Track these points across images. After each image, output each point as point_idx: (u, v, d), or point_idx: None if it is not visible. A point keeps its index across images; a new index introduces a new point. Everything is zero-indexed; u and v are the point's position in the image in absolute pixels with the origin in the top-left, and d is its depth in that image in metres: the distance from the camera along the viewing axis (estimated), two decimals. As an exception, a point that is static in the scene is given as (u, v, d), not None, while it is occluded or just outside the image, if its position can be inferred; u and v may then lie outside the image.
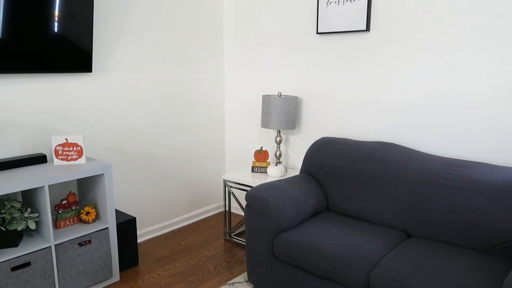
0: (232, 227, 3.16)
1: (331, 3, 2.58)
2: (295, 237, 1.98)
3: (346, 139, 2.49)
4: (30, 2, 2.04)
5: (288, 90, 2.97)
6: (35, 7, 2.07)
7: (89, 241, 2.17)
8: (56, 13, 2.16)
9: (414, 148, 2.37)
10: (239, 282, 2.35)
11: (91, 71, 2.39)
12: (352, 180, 2.27)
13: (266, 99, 2.74)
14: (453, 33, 2.16)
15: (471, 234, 1.85)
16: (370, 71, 2.51)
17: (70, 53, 2.28)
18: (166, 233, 3.09)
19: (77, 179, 2.44)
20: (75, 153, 2.21)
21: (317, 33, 2.69)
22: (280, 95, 2.75)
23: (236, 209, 3.53)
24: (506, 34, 2.00)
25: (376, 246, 1.87)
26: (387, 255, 1.80)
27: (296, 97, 2.78)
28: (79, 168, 2.11)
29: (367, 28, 2.45)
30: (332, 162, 2.37)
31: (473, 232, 1.84)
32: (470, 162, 1.99)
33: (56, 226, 2.18)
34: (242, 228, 3.16)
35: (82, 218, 2.24)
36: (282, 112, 2.70)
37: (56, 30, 2.18)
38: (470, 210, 1.85)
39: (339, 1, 2.54)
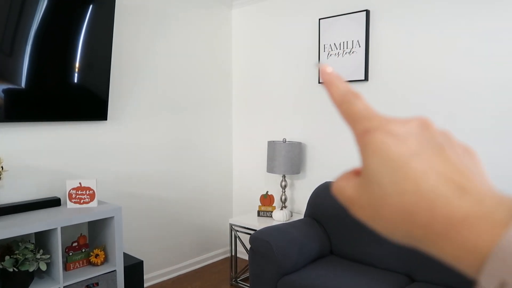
0: (238, 272, 3.17)
1: (332, 55, 2.75)
2: (298, 280, 2.01)
3: (349, 183, 2.55)
4: (54, 54, 2.25)
5: (293, 136, 3.09)
6: (59, 59, 2.27)
7: (97, 284, 2.21)
8: (77, 64, 2.36)
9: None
10: (244, 328, 2.34)
11: (106, 119, 2.56)
12: (354, 224, 2.31)
13: (272, 145, 2.86)
14: (444, 84, 2.28)
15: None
16: (370, 118, 2.63)
17: (88, 103, 2.45)
18: (173, 277, 3.10)
19: (88, 222, 2.52)
20: (88, 196, 2.32)
21: (319, 82, 2.84)
22: (284, 141, 2.86)
23: (243, 254, 3.54)
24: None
25: (378, 290, 1.88)
26: (389, 299, 1.81)
27: (300, 143, 2.89)
28: (91, 211, 2.20)
29: (366, 78, 2.60)
30: (334, 206, 2.43)
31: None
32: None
33: (66, 268, 2.24)
34: (248, 273, 3.16)
35: (91, 260, 2.29)
36: (287, 158, 2.80)
37: (76, 81, 2.37)
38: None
39: (339, 53, 2.71)
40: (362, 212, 0.26)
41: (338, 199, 0.29)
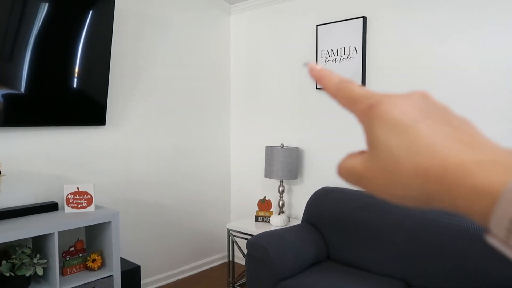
0: (235, 277, 3.16)
1: (329, 61, 2.77)
2: (295, 286, 2.01)
3: (346, 188, 2.56)
4: (53, 60, 2.26)
5: (290, 142, 3.10)
6: (58, 64, 2.29)
7: (94, 288, 2.21)
8: (76, 69, 2.37)
9: (412, 198, 2.43)
10: (241, 333, 2.34)
11: (104, 124, 2.57)
12: (351, 229, 2.31)
13: (269, 150, 2.87)
14: (441, 84, 2.30)
15: (469, 283, 1.86)
16: (367, 124, 2.64)
17: (86, 108, 2.46)
18: (170, 283, 3.10)
19: (86, 226, 2.52)
20: (85, 201, 2.32)
21: (317, 88, 2.86)
22: (282, 146, 2.87)
23: (240, 259, 3.54)
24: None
25: (374, 295, 1.89)
26: (386, 304, 1.81)
27: (297, 148, 2.90)
28: (88, 216, 2.21)
29: (363, 84, 2.62)
30: (331, 211, 2.44)
31: (471, 280, 1.86)
32: (465, 211, 2.04)
33: (62, 273, 2.24)
34: (245, 279, 3.15)
35: (88, 265, 2.29)
36: (285, 163, 2.81)
37: (74, 86, 2.38)
38: (466, 258, 1.88)
39: (336, 59, 2.73)
40: (374, 183, 0.27)
41: (344, 178, 0.30)
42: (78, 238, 2.48)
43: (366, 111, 0.28)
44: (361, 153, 0.29)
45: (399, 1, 2.47)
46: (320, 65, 0.31)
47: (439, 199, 0.24)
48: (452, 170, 0.23)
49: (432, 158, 0.24)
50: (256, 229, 2.78)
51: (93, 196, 2.33)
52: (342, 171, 0.30)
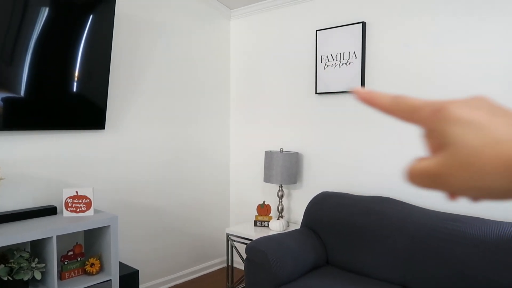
0: (234, 282, 3.15)
1: (328, 66, 2.78)
2: (294, 291, 2.00)
3: (345, 193, 2.56)
4: (53, 63, 2.27)
5: (290, 146, 3.10)
6: (58, 68, 2.29)
7: (92, 293, 2.20)
8: (76, 73, 2.38)
9: (410, 203, 2.43)
10: (239, 339, 2.32)
11: (104, 128, 2.57)
12: (350, 234, 2.31)
13: (269, 154, 2.87)
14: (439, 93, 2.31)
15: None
16: (367, 129, 2.65)
17: (86, 111, 2.46)
18: (169, 287, 3.09)
19: (84, 230, 2.52)
20: (84, 205, 2.32)
21: (316, 93, 2.87)
22: (281, 151, 2.87)
23: (239, 264, 3.53)
24: (490, 95, 2.13)
25: (374, 301, 1.88)
26: (385, 310, 1.81)
27: (297, 153, 2.91)
28: (87, 220, 2.20)
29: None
30: (331, 216, 2.43)
31: (470, 287, 1.85)
32: (464, 217, 2.05)
33: (61, 277, 2.23)
34: (244, 283, 3.14)
35: (86, 269, 2.29)
36: (284, 167, 2.81)
37: (74, 90, 2.38)
38: (466, 264, 1.87)
39: (336, 64, 2.74)
40: (454, 180, 0.27)
41: (416, 182, 0.30)
42: (77, 242, 2.47)
43: (433, 116, 0.29)
44: (431, 156, 0.30)
45: (398, 6, 2.48)
46: (362, 89, 0.33)
47: None
48: None
49: None
50: (255, 233, 2.77)
51: (92, 200, 2.32)
52: (414, 175, 0.30)
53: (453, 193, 0.28)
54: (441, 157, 0.28)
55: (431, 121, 0.29)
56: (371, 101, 0.32)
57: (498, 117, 0.27)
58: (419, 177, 0.30)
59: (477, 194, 0.27)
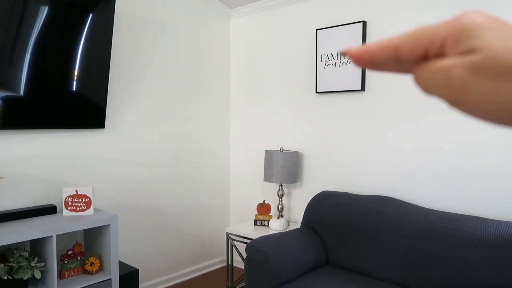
0: (234, 281, 3.15)
1: (329, 65, 2.78)
2: (294, 290, 2.00)
3: (345, 193, 2.56)
4: (53, 63, 2.26)
5: (290, 145, 3.10)
6: (58, 67, 2.29)
7: (92, 292, 2.20)
8: (76, 72, 2.37)
9: (410, 202, 2.43)
10: (239, 338, 2.32)
11: (103, 127, 2.56)
12: (350, 234, 2.31)
13: (269, 154, 2.87)
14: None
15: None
16: (367, 128, 2.64)
17: (86, 111, 2.46)
18: (169, 286, 3.09)
19: (84, 229, 2.51)
20: (84, 204, 2.31)
21: (316, 92, 2.86)
22: (282, 150, 2.87)
23: (239, 263, 3.53)
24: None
25: (374, 300, 1.88)
26: (385, 309, 1.80)
27: (297, 152, 2.90)
28: (86, 219, 2.20)
29: (363, 88, 2.62)
30: (331, 215, 2.43)
31: (470, 287, 1.85)
32: (464, 216, 2.04)
33: (60, 276, 2.23)
34: (244, 283, 3.14)
35: (86, 268, 2.28)
36: (284, 167, 2.81)
37: (74, 89, 2.38)
38: (465, 264, 1.87)
39: (336, 63, 2.74)
40: (474, 90, 0.24)
41: (427, 83, 0.26)
42: (77, 241, 2.47)
43: (452, 22, 0.25)
44: (452, 57, 0.25)
45: (399, 5, 2.48)
46: (352, 48, 0.28)
47: None
48: None
49: None
50: (255, 233, 2.77)
51: (91, 199, 2.32)
52: (429, 73, 0.25)
53: (471, 107, 0.24)
54: (469, 59, 0.24)
55: (451, 23, 0.25)
56: (370, 54, 0.27)
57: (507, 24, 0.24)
58: (435, 76, 0.25)
59: (503, 112, 0.23)
